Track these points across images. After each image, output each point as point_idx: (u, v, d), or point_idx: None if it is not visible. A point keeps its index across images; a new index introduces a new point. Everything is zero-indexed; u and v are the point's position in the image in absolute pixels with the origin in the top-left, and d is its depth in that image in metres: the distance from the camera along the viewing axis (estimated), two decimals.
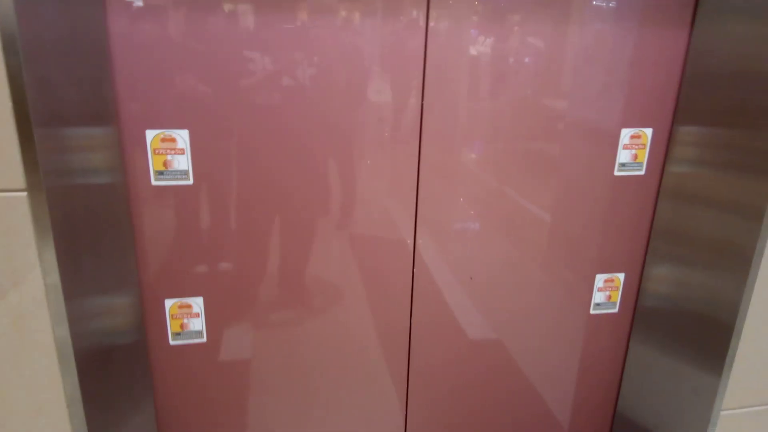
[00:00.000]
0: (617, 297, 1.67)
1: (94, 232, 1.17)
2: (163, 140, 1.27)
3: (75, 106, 1.08)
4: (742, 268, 1.29)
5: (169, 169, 1.29)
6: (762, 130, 1.22)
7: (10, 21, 0.87)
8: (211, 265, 1.41)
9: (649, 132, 1.49)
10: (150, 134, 1.26)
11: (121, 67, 1.20)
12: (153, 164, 1.28)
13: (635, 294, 1.67)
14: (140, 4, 1.18)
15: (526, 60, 1.40)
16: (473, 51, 1.36)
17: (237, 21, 1.23)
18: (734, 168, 1.31)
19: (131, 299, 1.35)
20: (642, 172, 1.53)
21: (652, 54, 1.43)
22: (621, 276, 1.64)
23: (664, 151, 1.51)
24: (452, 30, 1.33)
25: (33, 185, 0.96)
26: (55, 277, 1.01)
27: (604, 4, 1.37)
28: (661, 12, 1.39)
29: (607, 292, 1.65)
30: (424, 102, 1.37)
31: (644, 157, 1.51)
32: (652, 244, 1.60)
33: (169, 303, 1.41)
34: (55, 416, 1.10)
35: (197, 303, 1.43)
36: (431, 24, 1.31)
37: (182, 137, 1.27)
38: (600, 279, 1.64)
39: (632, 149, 1.50)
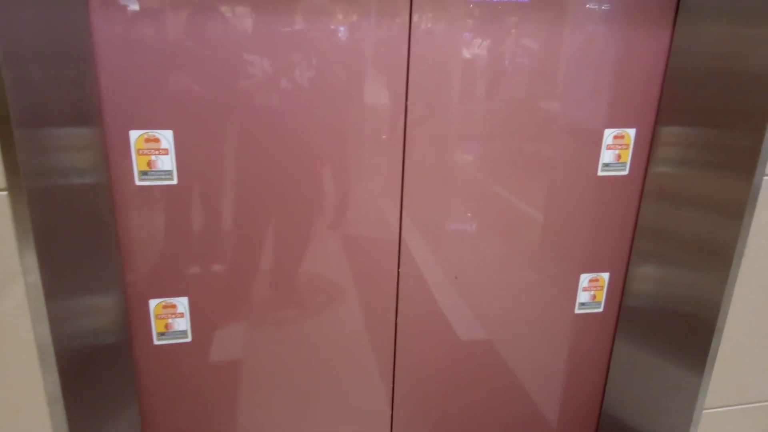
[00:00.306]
0: (602, 296, 1.68)
1: (77, 232, 1.17)
2: (147, 140, 1.27)
3: (57, 107, 1.09)
4: (723, 266, 1.31)
5: (153, 169, 1.30)
6: (742, 129, 1.23)
7: None
8: (195, 264, 1.42)
9: (632, 132, 1.50)
10: (134, 134, 1.26)
11: (105, 68, 1.21)
12: (137, 164, 1.29)
13: (620, 293, 1.68)
14: (124, 4, 1.18)
15: (510, 61, 1.41)
16: (456, 53, 1.37)
17: (222, 21, 1.24)
18: (716, 167, 1.32)
19: (115, 299, 1.35)
20: (625, 172, 1.54)
21: (634, 55, 1.44)
22: (606, 275, 1.65)
23: (648, 151, 1.53)
24: (435, 33, 1.34)
25: (13, 185, 0.96)
26: (35, 276, 1.01)
27: (586, 7, 1.39)
28: (642, 14, 1.40)
29: (591, 291, 1.66)
30: (408, 103, 1.38)
31: (627, 157, 1.52)
32: (636, 243, 1.61)
33: (153, 303, 1.41)
34: (36, 415, 1.10)
35: (182, 303, 1.43)
36: (414, 27, 1.32)
37: (166, 137, 1.28)
38: (585, 279, 1.65)
39: (615, 149, 1.51)
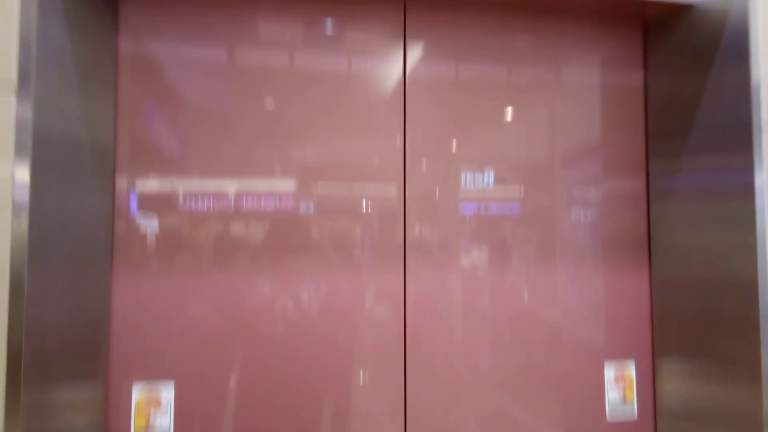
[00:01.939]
0: None
1: None
2: (148, 402, 1.31)
3: (65, 373, 1.15)
4: None
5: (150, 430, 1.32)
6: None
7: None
8: None
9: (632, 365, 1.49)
10: (135, 394, 1.31)
11: (118, 329, 1.30)
12: (134, 422, 1.31)
13: None
14: (143, 273, 1.33)
15: (505, 299, 1.48)
16: (450, 283, 1.45)
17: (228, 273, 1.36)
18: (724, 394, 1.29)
19: None
20: (634, 418, 1.49)
21: (617, 294, 1.51)
22: None
23: (652, 388, 1.50)
24: (430, 268, 1.44)
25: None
26: None
27: (563, 246, 1.50)
28: (618, 256, 1.52)
29: None
30: (407, 318, 1.42)
31: (633, 395, 1.50)
32: None
33: None
34: None
35: None
36: (409, 264, 1.43)
37: (167, 391, 1.32)
38: None
39: (619, 384, 1.49)
